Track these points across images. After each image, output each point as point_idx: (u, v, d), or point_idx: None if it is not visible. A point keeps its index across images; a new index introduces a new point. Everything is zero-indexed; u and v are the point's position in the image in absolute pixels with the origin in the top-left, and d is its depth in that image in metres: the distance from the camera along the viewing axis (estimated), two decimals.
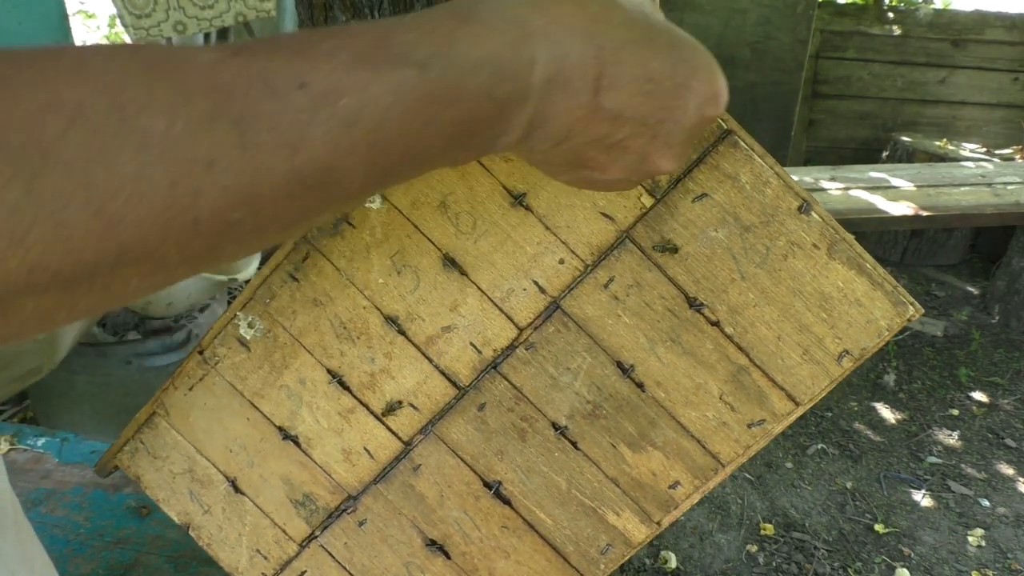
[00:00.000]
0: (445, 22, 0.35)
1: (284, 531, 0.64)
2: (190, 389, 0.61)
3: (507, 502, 0.60)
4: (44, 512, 0.89)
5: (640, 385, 0.55)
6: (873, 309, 0.51)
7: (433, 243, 0.54)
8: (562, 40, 0.37)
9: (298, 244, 0.56)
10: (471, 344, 0.56)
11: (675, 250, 0.52)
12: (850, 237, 0.50)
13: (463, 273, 0.54)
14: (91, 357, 1.59)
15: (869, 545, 1.94)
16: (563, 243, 0.53)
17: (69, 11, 2.87)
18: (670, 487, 0.58)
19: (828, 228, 0.50)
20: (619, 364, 0.55)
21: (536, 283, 0.54)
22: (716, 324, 0.53)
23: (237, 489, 0.63)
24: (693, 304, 0.53)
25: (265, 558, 0.65)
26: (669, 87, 0.39)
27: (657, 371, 0.55)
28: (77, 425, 1.69)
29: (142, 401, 0.62)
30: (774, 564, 1.86)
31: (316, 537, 0.63)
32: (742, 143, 0.49)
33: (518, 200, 0.52)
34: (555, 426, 0.57)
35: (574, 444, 0.57)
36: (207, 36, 3.50)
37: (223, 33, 3.50)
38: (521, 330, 0.55)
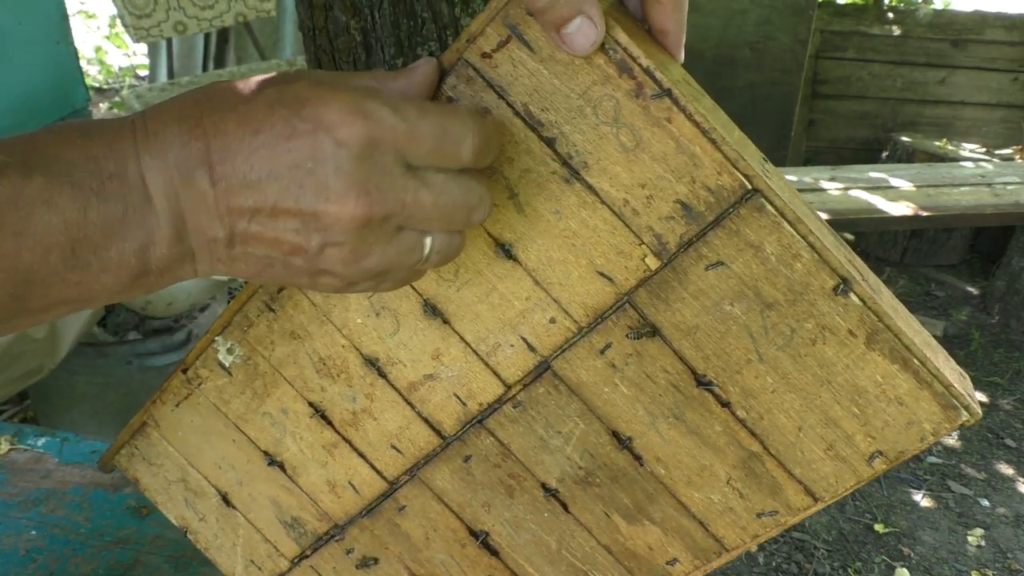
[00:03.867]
0: (59, 132, 0.33)
1: (275, 547, 0.63)
2: (176, 405, 0.60)
3: (495, 553, 0.57)
4: (44, 512, 0.89)
5: (638, 458, 0.51)
6: (917, 410, 0.44)
7: (413, 287, 0.50)
8: (162, 131, 0.35)
9: None
10: (455, 395, 0.52)
11: (653, 334, 0.47)
12: (896, 325, 0.43)
13: (445, 321, 0.50)
14: (91, 357, 1.59)
15: (869, 545, 1.94)
16: (555, 301, 0.48)
17: (69, 11, 2.87)
18: (668, 563, 0.53)
19: (869, 314, 0.43)
20: (615, 434, 0.50)
21: (525, 340, 0.49)
22: (727, 406, 0.47)
23: (228, 503, 0.62)
24: (701, 382, 0.47)
25: (259, 568, 0.64)
26: (280, 128, 0.35)
27: (657, 447, 0.50)
28: (77, 425, 1.69)
29: (142, 401, 0.62)
30: (774, 564, 1.86)
31: (307, 557, 0.63)
32: (769, 207, 0.42)
33: (504, 250, 0.47)
34: (545, 487, 0.54)
35: (564, 507, 0.54)
36: (207, 36, 3.50)
37: (223, 33, 3.50)
38: (509, 387, 0.51)
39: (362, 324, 0.52)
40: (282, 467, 0.59)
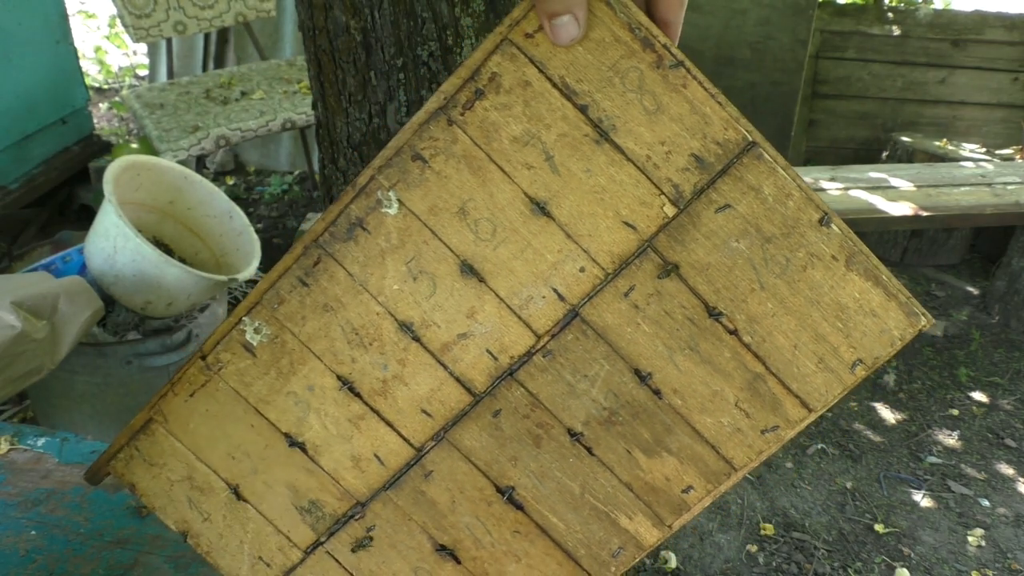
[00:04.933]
0: None
1: (288, 538, 0.63)
2: (191, 395, 0.60)
3: (520, 507, 0.60)
4: (44, 512, 0.89)
5: (657, 392, 0.55)
6: (887, 319, 0.52)
7: (451, 249, 0.54)
8: None
9: (308, 249, 0.55)
10: (487, 351, 0.56)
11: (677, 268, 0.52)
12: (866, 249, 0.51)
13: (481, 280, 0.54)
14: (91, 357, 1.59)
15: (869, 545, 1.94)
16: (584, 251, 0.53)
17: (69, 11, 2.87)
18: (683, 491, 0.58)
19: (847, 240, 0.51)
20: (637, 372, 0.55)
21: (556, 291, 0.54)
22: (734, 333, 0.53)
23: (239, 496, 0.62)
24: (712, 313, 0.53)
25: (268, 565, 0.64)
26: None
27: (675, 379, 0.55)
28: (77, 425, 1.69)
29: (142, 401, 0.62)
30: (774, 564, 1.86)
31: (322, 543, 0.63)
32: (766, 155, 0.49)
33: (540, 207, 0.52)
34: (571, 432, 0.57)
35: (589, 450, 0.58)
36: (207, 36, 3.50)
37: (223, 33, 3.50)
38: (539, 337, 0.55)
39: (399, 290, 0.55)
40: (303, 448, 0.60)
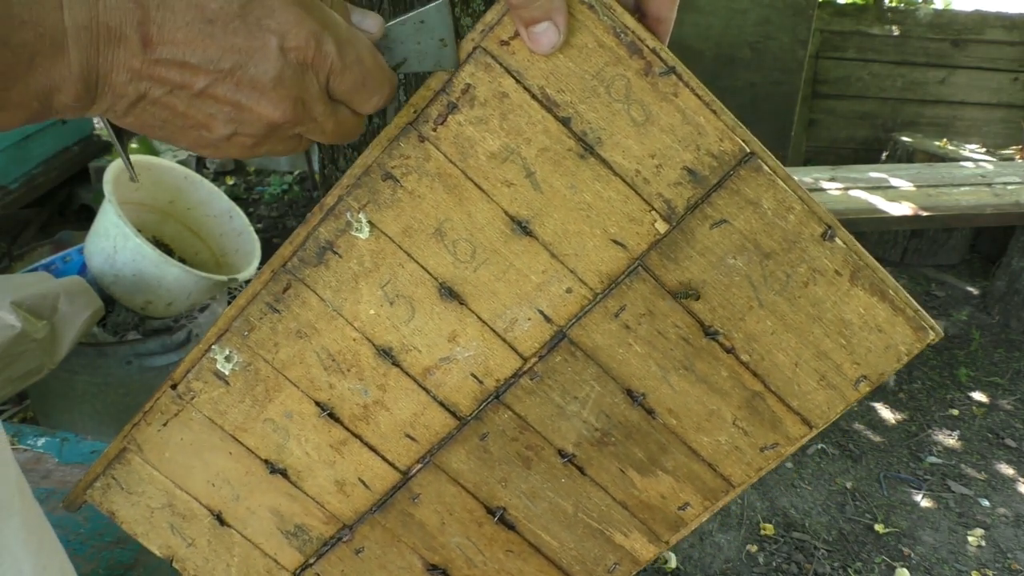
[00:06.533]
0: None
1: (276, 560, 0.62)
2: (164, 424, 0.59)
3: (511, 527, 0.59)
4: (44, 512, 0.89)
5: (651, 412, 0.54)
6: (894, 334, 0.50)
7: (429, 272, 0.52)
8: None
9: (277, 274, 0.53)
10: (472, 375, 0.54)
11: (697, 298, 0.50)
12: (873, 262, 0.49)
13: (462, 303, 0.52)
14: (91, 357, 1.59)
15: (869, 545, 1.94)
16: (571, 271, 0.51)
17: None
18: (679, 508, 0.57)
19: (852, 254, 0.48)
20: (629, 392, 0.54)
21: (541, 312, 0.52)
22: (731, 351, 0.51)
23: (223, 522, 0.61)
24: (708, 332, 0.51)
25: None
26: (237, 27, 0.36)
27: (669, 399, 0.53)
28: (77, 425, 1.69)
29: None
30: (774, 564, 1.86)
31: (311, 565, 0.62)
32: (765, 167, 0.47)
33: (521, 227, 0.50)
34: (562, 454, 0.56)
35: (581, 470, 0.56)
36: None
37: None
38: (525, 360, 0.53)
39: (375, 315, 0.53)
40: (285, 474, 0.59)
